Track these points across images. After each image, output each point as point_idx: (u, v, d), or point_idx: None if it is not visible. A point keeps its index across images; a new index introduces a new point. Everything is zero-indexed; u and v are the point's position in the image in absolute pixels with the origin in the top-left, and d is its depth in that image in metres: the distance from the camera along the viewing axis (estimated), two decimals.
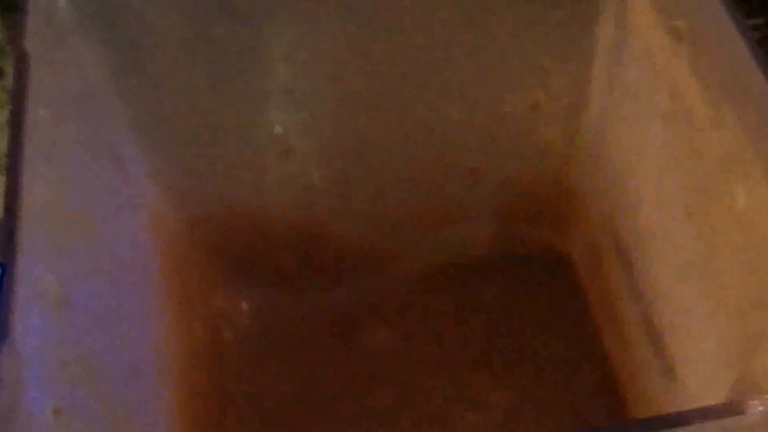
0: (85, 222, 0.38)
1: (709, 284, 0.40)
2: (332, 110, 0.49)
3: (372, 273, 0.54)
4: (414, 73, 0.48)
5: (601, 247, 0.51)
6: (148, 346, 0.43)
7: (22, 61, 0.36)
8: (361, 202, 0.52)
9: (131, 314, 0.42)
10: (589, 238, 0.53)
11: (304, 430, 0.50)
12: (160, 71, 0.45)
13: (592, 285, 0.53)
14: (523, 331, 0.53)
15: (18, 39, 0.36)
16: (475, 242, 0.55)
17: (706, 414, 0.30)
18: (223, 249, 0.52)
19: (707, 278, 0.40)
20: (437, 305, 0.54)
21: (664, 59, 0.40)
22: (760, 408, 0.29)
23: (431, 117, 0.49)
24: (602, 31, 0.46)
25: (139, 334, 0.42)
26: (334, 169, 0.51)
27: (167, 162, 0.48)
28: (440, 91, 0.48)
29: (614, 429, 0.36)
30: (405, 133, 0.50)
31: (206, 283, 0.52)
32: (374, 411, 0.50)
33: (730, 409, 0.30)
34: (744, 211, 0.36)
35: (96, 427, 0.34)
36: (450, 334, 0.53)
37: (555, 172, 0.52)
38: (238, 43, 0.45)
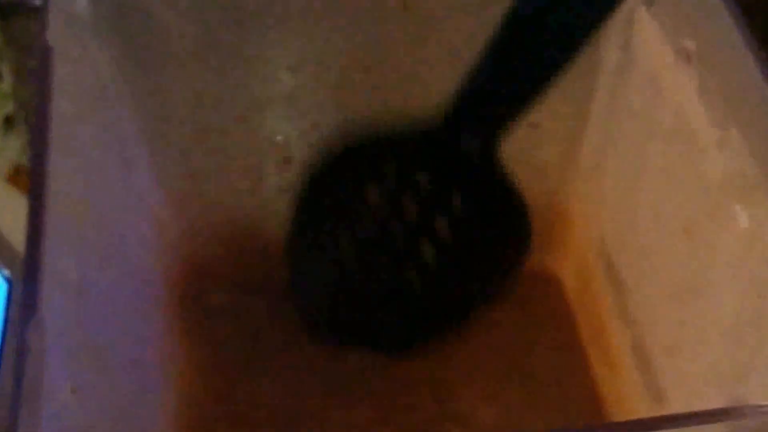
0: (98, 217, 0.38)
1: (704, 303, 0.40)
2: (333, 121, 0.49)
3: None
4: (415, 88, 0.48)
5: (591, 268, 0.52)
6: (147, 345, 0.44)
7: (45, 53, 0.36)
8: None
9: (133, 310, 0.42)
10: (580, 260, 0.53)
11: None
12: (169, 75, 0.46)
13: (581, 306, 0.54)
14: (511, 350, 0.53)
15: (41, 32, 0.37)
16: None
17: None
18: (219, 256, 0.53)
19: (702, 297, 0.40)
20: None
21: (669, 80, 0.40)
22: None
23: None
24: (607, 52, 0.46)
25: (140, 331, 0.43)
26: None
27: (171, 167, 0.49)
28: (441, 107, 0.48)
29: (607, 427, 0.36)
30: None
31: (200, 289, 0.52)
32: (358, 424, 0.50)
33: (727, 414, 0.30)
34: (745, 229, 0.36)
35: (105, 410, 0.34)
36: (436, 349, 0.52)
37: (549, 193, 0.52)
38: (244, 51, 0.46)
